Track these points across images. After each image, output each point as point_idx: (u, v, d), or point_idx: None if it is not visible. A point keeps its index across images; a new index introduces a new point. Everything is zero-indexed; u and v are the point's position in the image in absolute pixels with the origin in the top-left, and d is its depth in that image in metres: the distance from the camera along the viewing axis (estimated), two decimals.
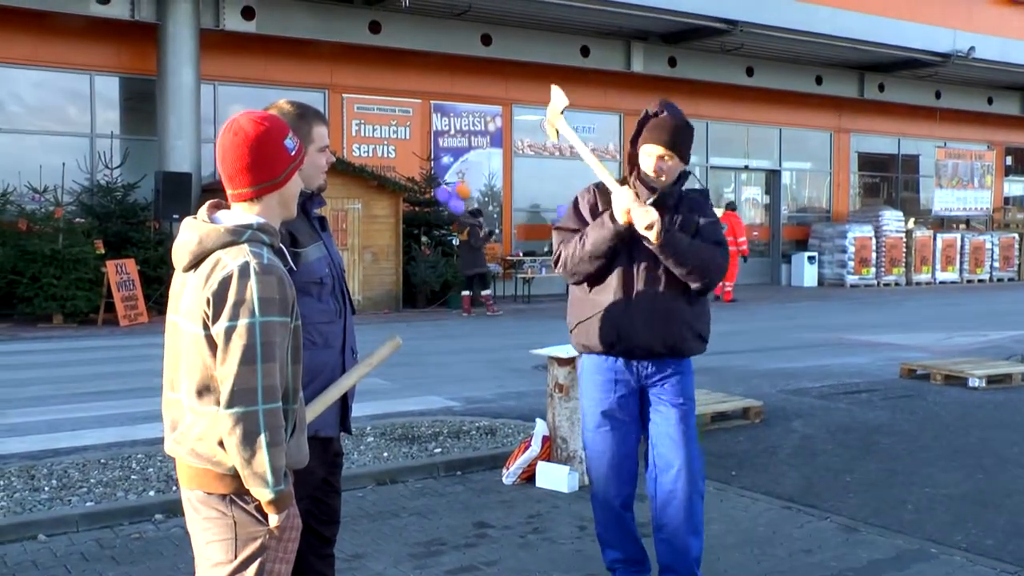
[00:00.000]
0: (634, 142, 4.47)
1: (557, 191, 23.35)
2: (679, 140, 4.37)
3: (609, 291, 4.40)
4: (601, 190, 4.52)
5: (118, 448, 7.53)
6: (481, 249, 18.90)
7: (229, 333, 2.63)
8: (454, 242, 20.04)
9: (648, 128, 4.38)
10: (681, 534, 4.45)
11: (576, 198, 4.62)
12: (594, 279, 4.44)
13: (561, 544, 5.47)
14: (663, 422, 4.48)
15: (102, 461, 6.91)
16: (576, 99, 21.04)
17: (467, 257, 18.84)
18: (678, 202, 4.47)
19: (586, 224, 4.46)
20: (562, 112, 4.73)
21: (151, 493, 6.17)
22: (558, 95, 4.74)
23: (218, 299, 2.65)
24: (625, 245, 4.34)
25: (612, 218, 4.29)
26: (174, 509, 5.65)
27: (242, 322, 2.62)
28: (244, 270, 2.65)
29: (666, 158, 4.35)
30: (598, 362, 4.51)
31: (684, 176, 4.50)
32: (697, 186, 4.84)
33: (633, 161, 4.50)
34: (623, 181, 4.44)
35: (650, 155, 4.37)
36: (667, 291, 4.38)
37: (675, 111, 4.42)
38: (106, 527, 5.69)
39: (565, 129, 4.70)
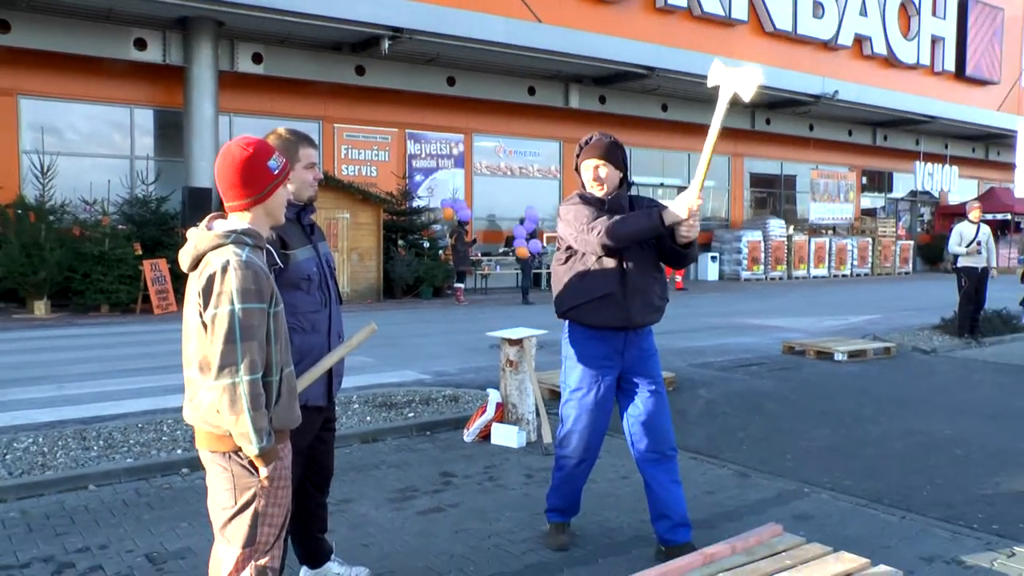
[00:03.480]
0: (577, 168, 4.34)
1: (509, 203, 23.44)
2: (609, 151, 4.22)
3: (607, 275, 4.16)
4: (583, 199, 4.24)
5: (152, 415, 7.41)
6: (465, 251, 19.25)
7: (214, 318, 2.62)
8: (426, 245, 20.04)
9: (585, 150, 4.26)
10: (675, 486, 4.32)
11: (577, 199, 4.26)
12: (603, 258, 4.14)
13: (512, 489, 5.46)
14: (644, 392, 4.35)
15: (139, 425, 6.81)
16: (523, 129, 21.02)
17: (457, 256, 19.28)
18: (632, 204, 4.30)
19: (601, 212, 4.15)
20: (735, 91, 3.97)
21: (179, 452, 6.08)
22: (751, 77, 3.91)
23: (206, 292, 2.65)
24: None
25: (659, 216, 3.99)
26: (197, 465, 5.58)
27: (224, 309, 2.61)
28: (225, 267, 2.64)
29: (601, 167, 4.22)
30: (595, 335, 4.26)
31: (628, 185, 4.35)
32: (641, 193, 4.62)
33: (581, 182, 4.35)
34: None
35: (588, 168, 4.24)
36: (649, 270, 4.25)
37: (604, 135, 4.31)
38: (142, 479, 5.62)
39: (721, 102, 4.03)
